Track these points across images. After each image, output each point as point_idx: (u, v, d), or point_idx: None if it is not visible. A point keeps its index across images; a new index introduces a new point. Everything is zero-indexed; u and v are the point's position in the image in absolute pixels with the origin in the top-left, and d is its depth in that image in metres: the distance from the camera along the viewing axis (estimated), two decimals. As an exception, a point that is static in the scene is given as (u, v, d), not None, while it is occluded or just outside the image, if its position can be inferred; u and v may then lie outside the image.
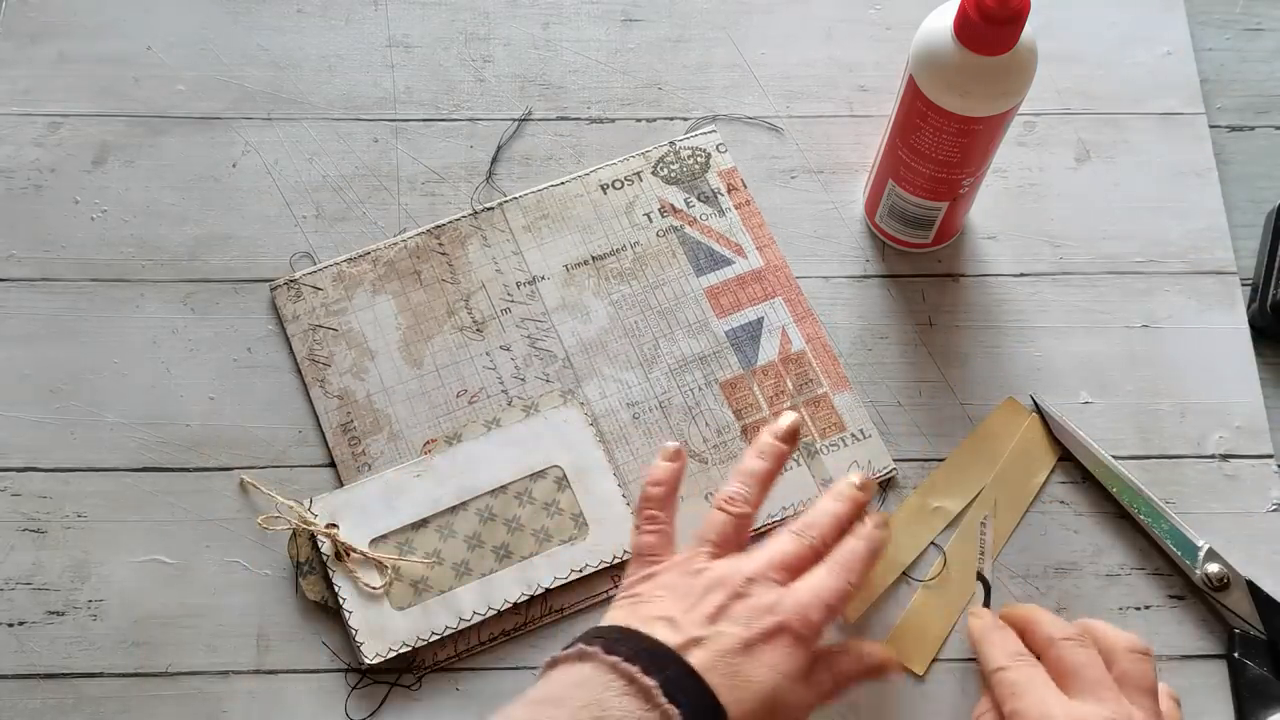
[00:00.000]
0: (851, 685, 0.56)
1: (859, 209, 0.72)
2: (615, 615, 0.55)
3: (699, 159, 0.72)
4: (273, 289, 0.69)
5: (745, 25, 0.77)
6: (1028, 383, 0.68)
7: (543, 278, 0.69)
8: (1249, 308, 0.70)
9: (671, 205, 0.71)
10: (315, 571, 0.63)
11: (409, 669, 0.62)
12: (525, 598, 0.62)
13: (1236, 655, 0.62)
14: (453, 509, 0.64)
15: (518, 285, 0.69)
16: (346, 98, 0.74)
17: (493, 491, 0.64)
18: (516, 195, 0.71)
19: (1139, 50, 0.76)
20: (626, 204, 0.71)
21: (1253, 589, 0.62)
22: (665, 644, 0.52)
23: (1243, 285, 0.71)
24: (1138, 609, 0.64)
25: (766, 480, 0.59)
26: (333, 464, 0.66)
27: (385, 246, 0.70)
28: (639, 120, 0.74)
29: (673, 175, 0.72)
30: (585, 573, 0.63)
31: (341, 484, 0.65)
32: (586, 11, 0.77)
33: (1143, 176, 0.73)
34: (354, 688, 0.62)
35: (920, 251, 0.71)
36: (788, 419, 0.61)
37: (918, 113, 0.61)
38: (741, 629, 0.53)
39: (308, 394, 0.67)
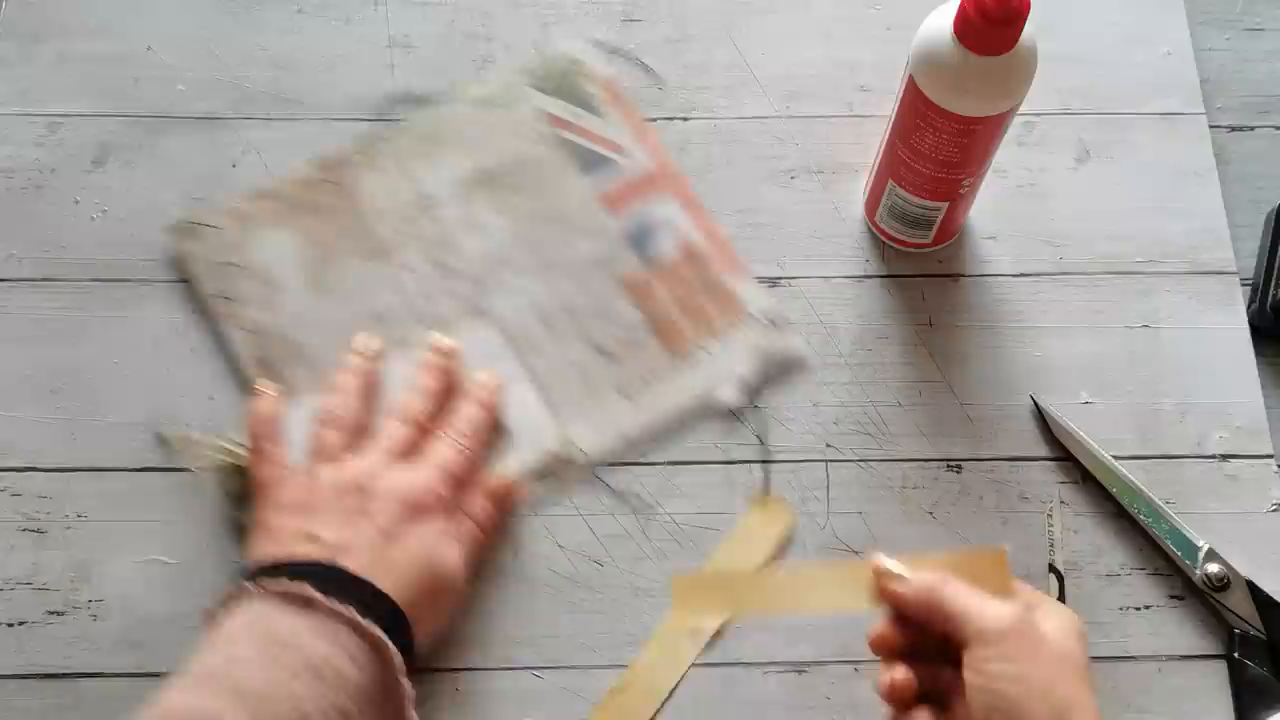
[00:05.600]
0: (495, 519, 0.62)
1: (859, 209, 0.72)
2: (255, 552, 0.58)
3: (575, 69, 0.74)
4: (171, 231, 0.69)
5: (745, 25, 0.77)
6: (1028, 383, 0.68)
7: (438, 198, 0.71)
8: (1249, 308, 0.70)
9: (555, 116, 0.73)
10: (250, 503, 0.63)
11: None
12: None
13: (1236, 655, 0.62)
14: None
15: (415, 208, 0.70)
16: (346, 98, 0.74)
17: None
18: (404, 121, 0.73)
19: (1139, 50, 0.76)
20: (511, 120, 0.73)
21: (1253, 589, 0.62)
22: (315, 559, 0.55)
23: (1243, 285, 0.71)
24: (1138, 609, 0.64)
25: (362, 391, 0.63)
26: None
27: (280, 182, 0.71)
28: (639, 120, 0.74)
29: (553, 87, 0.73)
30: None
31: None
32: (586, 11, 0.77)
33: (1143, 176, 0.73)
34: None
35: (920, 251, 0.71)
36: (367, 344, 0.65)
37: (918, 113, 0.61)
38: (379, 522, 0.57)
39: (219, 330, 0.67)
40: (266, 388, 0.64)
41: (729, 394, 0.67)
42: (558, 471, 0.65)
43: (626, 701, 0.61)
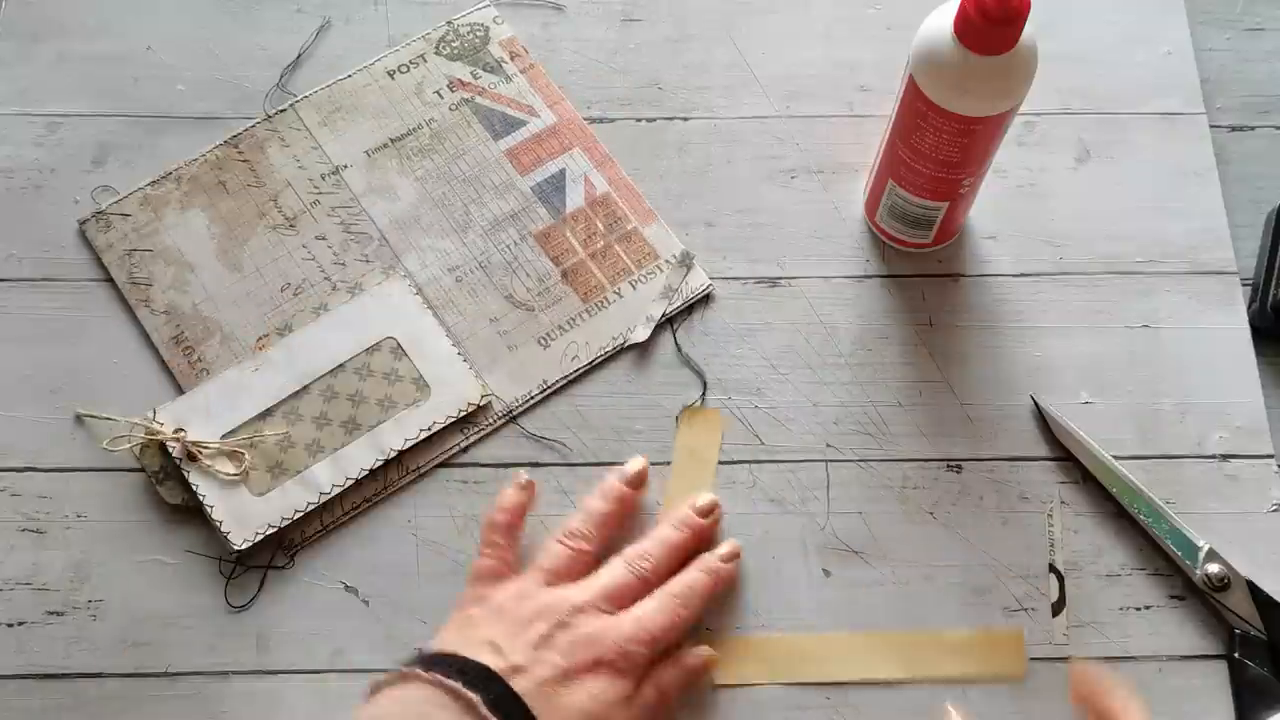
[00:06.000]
0: (677, 693, 0.59)
1: (859, 209, 0.72)
2: (444, 637, 0.57)
3: (478, 33, 0.75)
4: (80, 223, 0.70)
5: (745, 25, 0.77)
6: (1028, 383, 0.68)
7: (346, 166, 0.72)
8: (1249, 308, 0.70)
9: (460, 80, 0.74)
10: (171, 477, 0.64)
11: (281, 550, 0.64)
12: (380, 463, 0.65)
13: (1237, 655, 0.62)
14: (296, 394, 0.66)
15: (322, 177, 0.71)
16: (346, 98, 0.74)
17: (332, 371, 0.66)
18: (307, 94, 0.73)
19: (1139, 50, 0.76)
20: (415, 85, 0.74)
21: (1253, 589, 0.62)
22: (488, 666, 0.54)
23: (1243, 285, 0.71)
24: (1138, 609, 0.64)
25: (608, 521, 0.62)
26: (172, 377, 0.67)
27: (186, 164, 0.71)
28: (639, 120, 0.74)
29: (455, 52, 0.75)
30: (434, 430, 0.66)
31: (183, 393, 0.66)
32: (586, 11, 0.77)
33: (1143, 176, 0.73)
34: (229, 578, 0.63)
35: (920, 251, 0.71)
36: (635, 465, 0.64)
37: (918, 113, 0.61)
38: (562, 659, 0.55)
39: (134, 315, 0.68)
40: (521, 478, 0.63)
41: (641, 333, 0.68)
42: (478, 422, 0.66)
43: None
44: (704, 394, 0.67)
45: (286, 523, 0.63)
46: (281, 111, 0.73)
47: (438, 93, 0.74)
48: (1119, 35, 0.77)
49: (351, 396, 0.66)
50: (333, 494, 0.64)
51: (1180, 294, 0.70)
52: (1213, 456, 0.67)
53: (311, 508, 0.64)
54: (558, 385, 0.68)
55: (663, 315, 0.69)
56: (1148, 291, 0.70)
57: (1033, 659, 0.62)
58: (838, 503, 0.65)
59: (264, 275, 0.69)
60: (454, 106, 0.73)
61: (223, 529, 0.63)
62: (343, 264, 0.70)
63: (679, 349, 0.68)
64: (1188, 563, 0.63)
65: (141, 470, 0.65)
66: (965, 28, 0.57)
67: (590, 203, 0.71)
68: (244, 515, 0.63)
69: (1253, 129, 0.75)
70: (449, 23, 0.76)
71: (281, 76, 0.74)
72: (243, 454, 0.64)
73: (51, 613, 0.62)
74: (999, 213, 0.72)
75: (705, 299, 0.70)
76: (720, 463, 0.66)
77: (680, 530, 0.61)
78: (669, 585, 0.60)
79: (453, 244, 0.70)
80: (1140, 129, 0.74)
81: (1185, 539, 0.63)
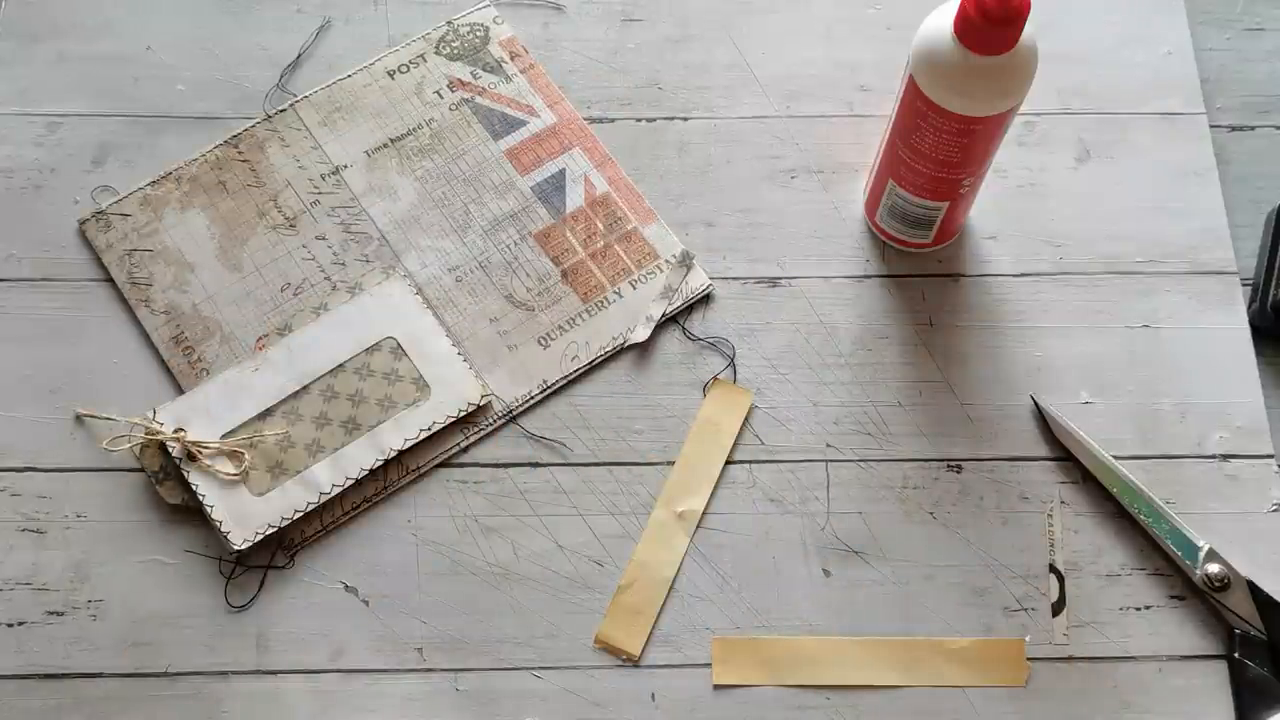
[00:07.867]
0: None
1: (859, 209, 0.72)
2: None
3: (478, 33, 0.75)
4: (80, 223, 0.70)
5: (745, 25, 0.77)
6: (1028, 383, 0.68)
7: (346, 166, 0.72)
8: (1249, 308, 0.70)
9: (459, 80, 0.74)
10: (171, 477, 0.64)
11: (281, 549, 0.64)
12: (380, 463, 0.65)
13: (1237, 655, 0.62)
14: (296, 394, 0.66)
15: (322, 177, 0.72)
16: (346, 98, 0.74)
17: (332, 371, 0.67)
18: (307, 94, 0.73)
19: (1139, 50, 0.76)
20: (415, 85, 0.74)
21: (1253, 589, 0.62)
22: None
23: (1243, 285, 0.71)
24: (1138, 609, 0.64)
25: None
26: (172, 377, 0.67)
27: (186, 164, 0.72)
28: (639, 120, 0.74)
29: (455, 52, 0.75)
30: (434, 430, 0.66)
31: (183, 393, 0.66)
32: (586, 11, 0.77)
33: (1143, 176, 0.73)
34: (229, 578, 0.63)
35: (920, 251, 0.71)
36: None
37: (918, 113, 0.61)
38: None
39: (134, 315, 0.68)
40: None
41: (641, 333, 0.68)
42: (478, 422, 0.66)
43: (633, 599, 0.63)
44: (734, 364, 0.68)
45: (286, 523, 0.63)
46: (281, 111, 0.73)
47: (438, 93, 0.74)
48: (1119, 35, 0.77)
49: (351, 396, 0.66)
50: (333, 494, 0.64)
51: (1180, 294, 0.70)
52: (1213, 456, 0.67)
53: (311, 508, 0.64)
54: (558, 385, 0.68)
55: (663, 315, 0.69)
56: (1148, 291, 0.70)
57: (1033, 659, 0.62)
58: (838, 503, 0.65)
59: (264, 275, 0.69)
60: (454, 106, 0.73)
61: (223, 529, 0.63)
62: (343, 264, 0.70)
63: (690, 336, 0.68)
64: (1188, 563, 0.63)
65: (141, 470, 0.65)
66: (965, 28, 0.57)
67: (590, 203, 0.71)
68: (244, 515, 0.63)
69: (1253, 129, 0.75)
70: (449, 23, 0.76)
71: (281, 76, 0.74)
72: (243, 454, 0.64)
73: (51, 613, 0.62)
74: (999, 213, 0.72)
75: (705, 299, 0.70)
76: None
77: None
78: None
79: (453, 244, 0.70)
80: (1140, 129, 0.74)
81: (1185, 539, 0.63)
